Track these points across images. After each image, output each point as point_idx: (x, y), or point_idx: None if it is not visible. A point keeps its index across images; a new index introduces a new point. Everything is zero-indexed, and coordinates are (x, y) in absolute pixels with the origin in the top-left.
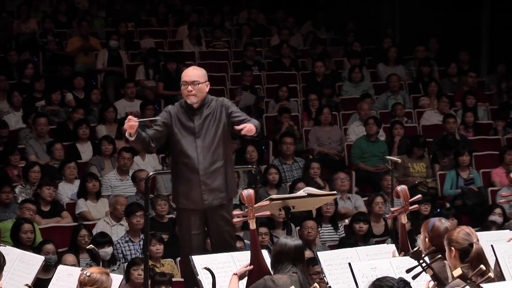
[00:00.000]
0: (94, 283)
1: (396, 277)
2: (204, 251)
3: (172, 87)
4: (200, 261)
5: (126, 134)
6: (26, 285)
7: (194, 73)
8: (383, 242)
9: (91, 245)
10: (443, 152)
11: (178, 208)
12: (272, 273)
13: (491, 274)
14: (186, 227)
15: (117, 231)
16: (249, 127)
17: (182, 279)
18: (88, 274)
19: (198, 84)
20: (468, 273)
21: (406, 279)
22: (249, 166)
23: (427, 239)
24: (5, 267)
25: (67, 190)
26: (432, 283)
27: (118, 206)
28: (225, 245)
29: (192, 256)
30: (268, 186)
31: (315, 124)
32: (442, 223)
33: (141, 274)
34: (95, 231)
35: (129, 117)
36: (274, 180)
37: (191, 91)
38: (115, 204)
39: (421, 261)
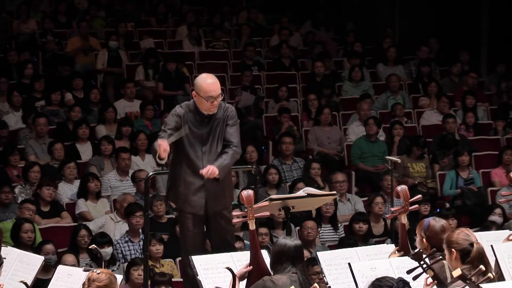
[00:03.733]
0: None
1: (396, 277)
2: (204, 250)
3: (171, 87)
4: (200, 261)
5: (159, 157)
6: (22, 281)
7: (219, 86)
8: (382, 242)
9: (93, 245)
10: (443, 152)
11: (178, 209)
12: (271, 273)
13: (491, 275)
14: (186, 225)
15: (121, 228)
16: (211, 172)
17: (182, 279)
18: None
19: (220, 95)
20: (468, 274)
21: (405, 279)
22: (249, 166)
23: (424, 240)
24: (5, 267)
25: (66, 190)
26: (430, 279)
27: (125, 204)
28: (226, 245)
29: (192, 256)
30: (268, 186)
31: (315, 124)
32: (437, 221)
33: (141, 274)
34: (95, 226)
35: (161, 143)
36: (273, 180)
37: (216, 105)
38: (123, 201)
39: (421, 262)
